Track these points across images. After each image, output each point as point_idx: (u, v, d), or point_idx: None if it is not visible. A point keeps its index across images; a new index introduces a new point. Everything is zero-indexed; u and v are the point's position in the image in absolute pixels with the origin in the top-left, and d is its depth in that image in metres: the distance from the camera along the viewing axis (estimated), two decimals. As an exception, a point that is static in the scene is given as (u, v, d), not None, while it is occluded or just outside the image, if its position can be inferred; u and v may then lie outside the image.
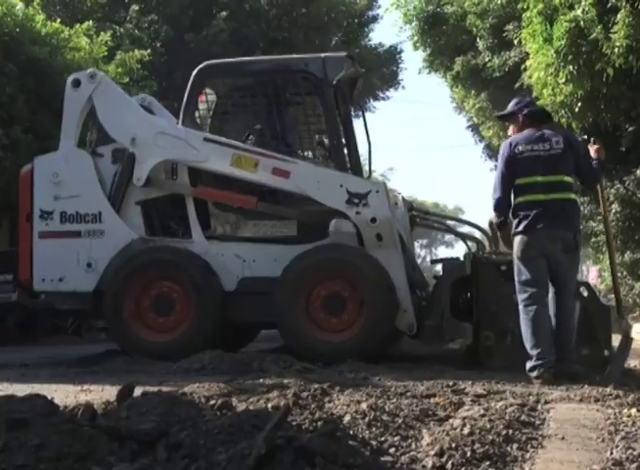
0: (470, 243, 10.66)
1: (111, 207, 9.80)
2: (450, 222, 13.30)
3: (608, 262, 18.50)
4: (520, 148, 7.32)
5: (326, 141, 10.52)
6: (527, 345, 7.15)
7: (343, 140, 10.02)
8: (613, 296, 19.61)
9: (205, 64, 10.22)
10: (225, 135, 9.99)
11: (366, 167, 11.09)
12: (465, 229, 12.97)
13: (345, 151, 10.05)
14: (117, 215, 9.79)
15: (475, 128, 25.86)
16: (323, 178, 9.48)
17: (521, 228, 7.29)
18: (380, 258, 9.24)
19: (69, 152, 9.95)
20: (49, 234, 9.81)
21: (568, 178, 7.36)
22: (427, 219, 10.90)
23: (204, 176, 10.01)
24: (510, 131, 7.81)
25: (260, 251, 9.61)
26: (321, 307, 9.23)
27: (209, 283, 9.45)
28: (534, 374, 7.02)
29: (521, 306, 7.26)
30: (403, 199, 10.40)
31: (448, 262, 9.54)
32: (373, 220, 9.25)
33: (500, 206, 7.48)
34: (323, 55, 10.22)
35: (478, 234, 11.19)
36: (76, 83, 9.98)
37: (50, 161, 10.04)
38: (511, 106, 7.73)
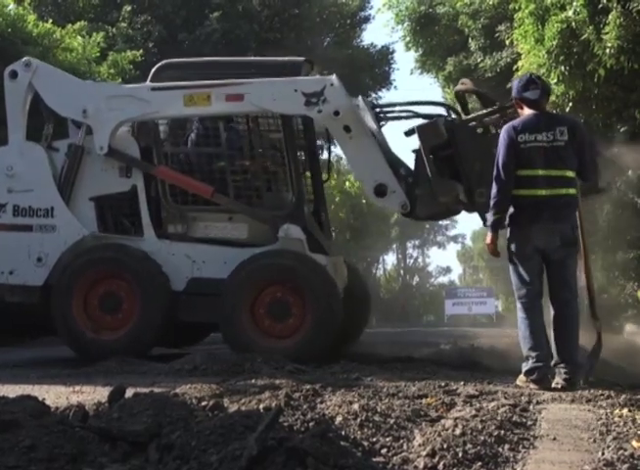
0: None
1: (63, 202, 9.79)
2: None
3: (600, 263, 18.60)
4: (523, 137, 6.92)
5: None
6: (526, 346, 6.92)
7: (303, 141, 10.24)
8: (604, 297, 19.68)
9: (163, 62, 10.33)
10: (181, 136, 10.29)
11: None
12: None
13: (302, 153, 10.26)
14: (69, 211, 9.77)
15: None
16: (276, 89, 9.48)
17: (516, 223, 7.02)
18: (354, 150, 9.30)
19: (24, 145, 9.92)
20: (1, 227, 9.78)
21: (570, 173, 7.01)
22: (392, 112, 10.57)
23: (163, 160, 10.03)
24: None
25: (210, 252, 9.63)
26: (266, 313, 9.25)
27: (157, 282, 9.44)
28: (534, 377, 6.79)
29: (518, 305, 7.07)
30: (363, 99, 10.28)
31: (421, 126, 9.29)
32: (336, 113, 9.26)
33: (502, 200, 7.00)
34: (281, 59, 10.33)
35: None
36: (13, 74, 9.93)
37: (5, 154, 9.97)
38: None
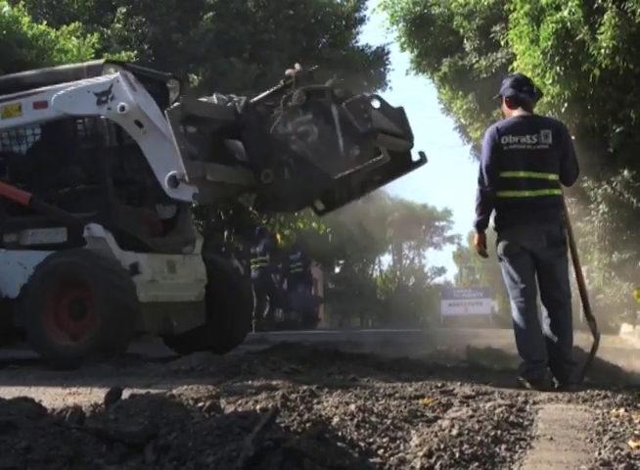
0: None
1: None
2: None
3: (595, 263, 18.59)
4: (506, 139, 6.92)
5: None
6: (522, 346, 6.93)
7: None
8: (600, 297, 19.67)
9: None
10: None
11: None
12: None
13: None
14: None
15: (462, 129, 25.87)
16: (73, 93, 9.63)
17: (502, 224, 7.04)
18: (149, 143, 9.31)
19: None
20: None
21: (552, 176, 7.00)
22: None
23: None
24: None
25: (39, 258, 9.74)
26: (66, 312, 9.44)
27: None
28: (530, 377, 6.77)
29: (513, 305, 7.05)
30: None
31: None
32: (122, 109, 9.31)
33: (486, 202, 7.03)
34: (86, 64, 10.55)
35: None
36: None
37: None
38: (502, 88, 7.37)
